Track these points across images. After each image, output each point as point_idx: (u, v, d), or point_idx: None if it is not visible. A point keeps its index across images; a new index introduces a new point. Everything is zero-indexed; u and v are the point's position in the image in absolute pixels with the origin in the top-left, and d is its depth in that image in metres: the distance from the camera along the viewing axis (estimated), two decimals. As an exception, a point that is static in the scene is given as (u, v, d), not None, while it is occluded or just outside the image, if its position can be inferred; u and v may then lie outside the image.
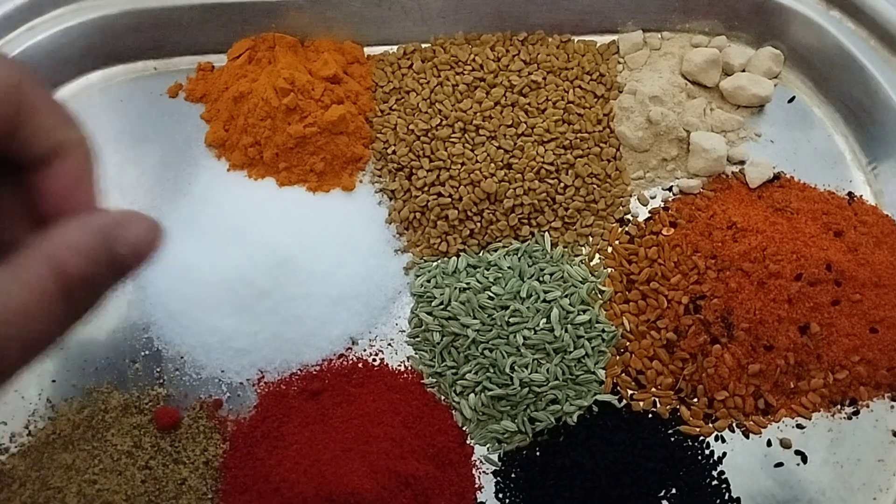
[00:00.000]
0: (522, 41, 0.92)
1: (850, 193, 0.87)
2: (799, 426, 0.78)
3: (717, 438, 0.78)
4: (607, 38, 0.93)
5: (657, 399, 0.79)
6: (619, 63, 0.92)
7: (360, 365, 0.83)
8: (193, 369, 0.83)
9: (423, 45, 0.94)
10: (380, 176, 0.88)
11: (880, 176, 0.87)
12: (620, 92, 0.89)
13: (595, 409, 0.79)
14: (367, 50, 0.94)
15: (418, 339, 0.83)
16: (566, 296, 0.81)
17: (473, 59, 0.90)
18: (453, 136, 0.87)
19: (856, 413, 0.78)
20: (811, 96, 0.92)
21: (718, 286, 0.78)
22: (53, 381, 0.83)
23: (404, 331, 0.84)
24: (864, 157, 0.89)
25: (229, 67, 0.92)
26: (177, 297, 0.84)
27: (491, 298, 0.81)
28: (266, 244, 0.82)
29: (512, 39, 0.92)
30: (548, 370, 0.78)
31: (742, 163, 0.87)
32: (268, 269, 0.81)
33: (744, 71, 0.89)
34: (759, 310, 0.77)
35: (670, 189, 0.88)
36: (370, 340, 0.84)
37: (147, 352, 0.84)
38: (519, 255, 0.84)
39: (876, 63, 0.87)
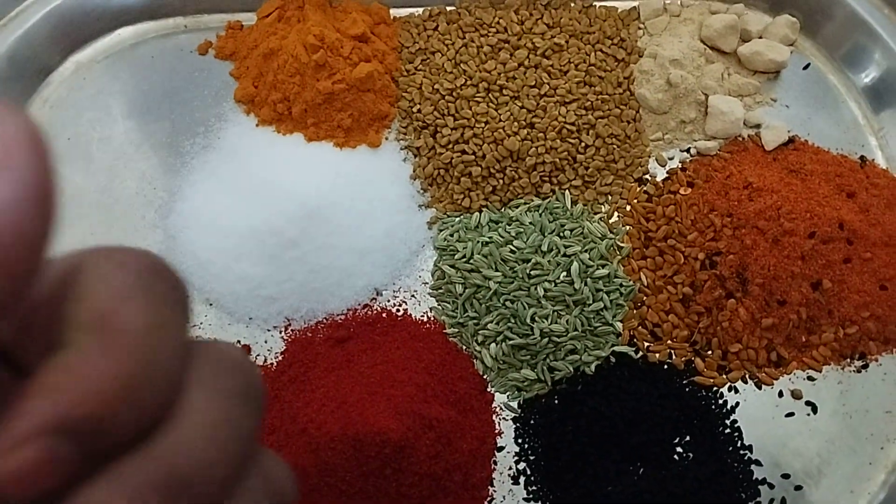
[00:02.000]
0: (546, 5, 0.95)
1: (861, 157, 0.89)
2: (810, 378, 0.80)
3: (730, 389, 0.80)
4: (628, 4, 0.96)
5: (673, 351, 0.82)
6: (639, 28, 0.94)
7: (384, 315, 0.85)
8: (222, 316, 0.86)
9: (448, 9, 0.96)
10: (405, 133, 0.91)
11: (892, 141, 0.90)
12: (641, 56, 0.91)
13: (612, 360, 0.82)
14: (393, 12, 0.96)
15: (441, 290, 0.86)
16: (586, 251, 0.84)
17: (498, 22, 0.93)
18: (477, 95, 0.89)
19: (865, 367, 0.81)
20: (826, 63, 0.94)
21: (734, 243, 0.81)
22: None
23: (427, 283, 0.86)
24: (876, 124, 0.91)
25: (259, 25, 0.94)
26: (206, 245, 0.86)
27: (513, 252, 0.83)
28: (294, 196, 0.85)
29: (535, 4, 0.94)
30: (567, 321, 0.81)
31: (758, 126, 0.89)
32: (296, 219, 0.83)
33: (761, 38, 0.91)
34: (773, 266, 0.79)
35: (688, 150, 0.90)
36: (394, 292, 0.86)
37: (176, 299, 0.86)
38: (540, 212, 0.86)
39: (890, 31, 0.90)
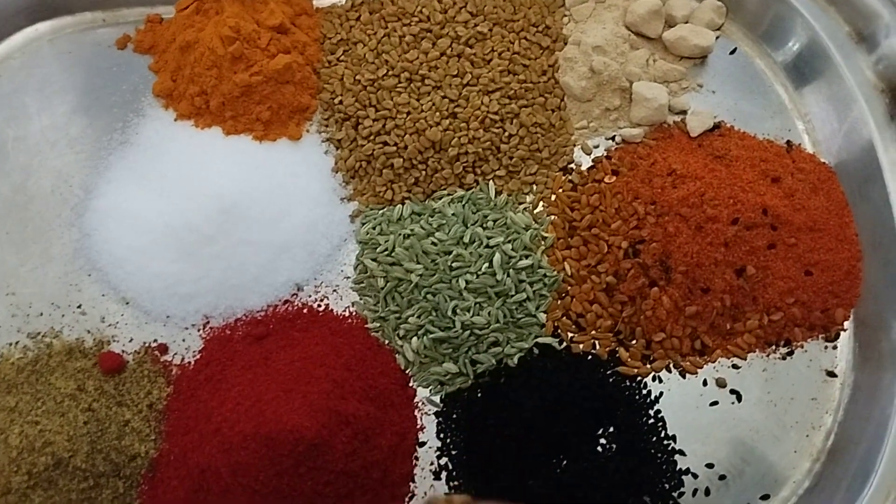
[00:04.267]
0: (470, -7, 0.93)
1: (788, 142, 0.88)
2: (734, 366, 0.79)
3: (654, 379, 0.79)
4: (555, -9, 0.94)
5: (597, 341, 0.80)
6: (564, 15, 0.92)
7: (304, 310, 0.84)
8: (139, 315, 0.84)
9: (372, -1, 0.94)
10: (326, 126, 0.89)
11: (818, 126, 0.89)
12: (566, 44, 0.90)
13: (536, 351, 0.80)
14: (316, 2, 0.94)
15: (363, 284, 0.84)
16: (509, 241, 0.82)
17: (420, 11, 0.91)
18: (399, 85, 0.87)
19: (790, 353, 0.80)
20: (752, 48, 0.93)
21: (657, 231, 0.80)
22: (-2, 325, 0.83)
23: (349, 277, 0.85)
24: (802, 108, 0.90)
25: (177, 18, 0.92)
26: (122, 243, 0.84)
27: (434, 244, 0.81)
28: (211, 191, 0.83)
29: (460, -8, 0.93)
30: (489, 313, 0.79)
31: (684, 112, 0.88)
32: (213, 215, 0.82)
33: (686, 23, 0.90)
34: (696, 253, 0.78)
35: (613, 138, 0.89)
36: (315, 287, 0.85)
37: (92, 297, 0.84)
38: (463, 203, 0.85)
39: (815, 15, 0.89)
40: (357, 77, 0.88)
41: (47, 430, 0.75)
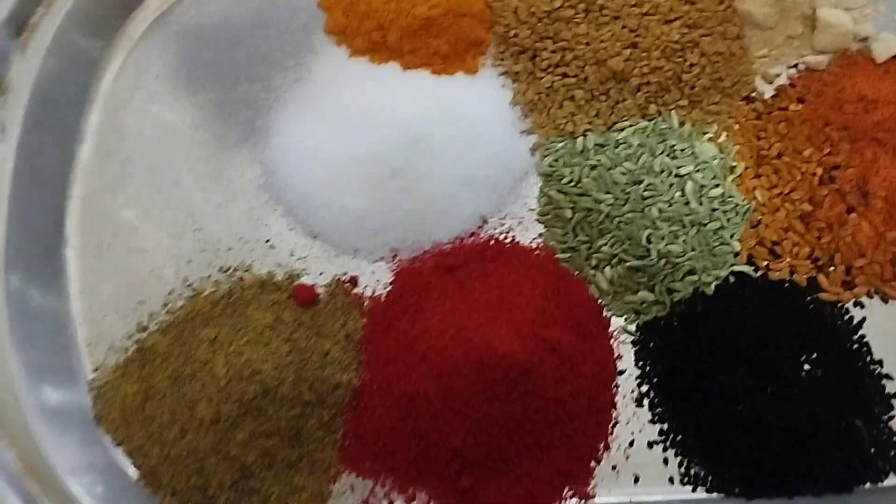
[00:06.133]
0: (639, -73, 0.92)
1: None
2: (938, 290, 0.79)
3: (855, 305, 0.79)
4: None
5: (794, 268, 0.80)
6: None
7: (492, 242, 0.84)
8: (327, 248, 0.85)
9: (541, -69, 0.93)
10: (502, 59, 0.89)
11: None
12: (743, -29, 0.89)
13: (731, 279, 0.80)
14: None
15: (549, 216, 0.84)
16: (699, 170, 0.82)
17: (593, -58, 0.90)
18: (577, 16, 0.87)
19: None
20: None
21: (853, 157, 0.79)
22: (189, 261, 0.84)
23: (533, 210, 0.85)
24: None
25: (348, -46, 0.91)
26: (307, 178, 0.85)
27: (623, 174, 0.81)
28: (395, 124, 0.83)
29: (628, -74, 0.92)
30: (684, 241, 0.79)
31: (867, 39, 0.87)
32: (399, 147, 0.82)
33: (867, -51, 0.89)
34: (895, 178, 0.78)
35: (795, 66, 0.88)
36: (500, 220, 0.85)
37: (279, 232, 0.85)
38: (647, 133, 0.84)
39: None
40: (532, 9, 0.87)
41: (253, 359, 0.76)
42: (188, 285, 0.84)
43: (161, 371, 0.79)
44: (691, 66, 0.86)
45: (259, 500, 0.77)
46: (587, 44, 0.86)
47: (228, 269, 0.85)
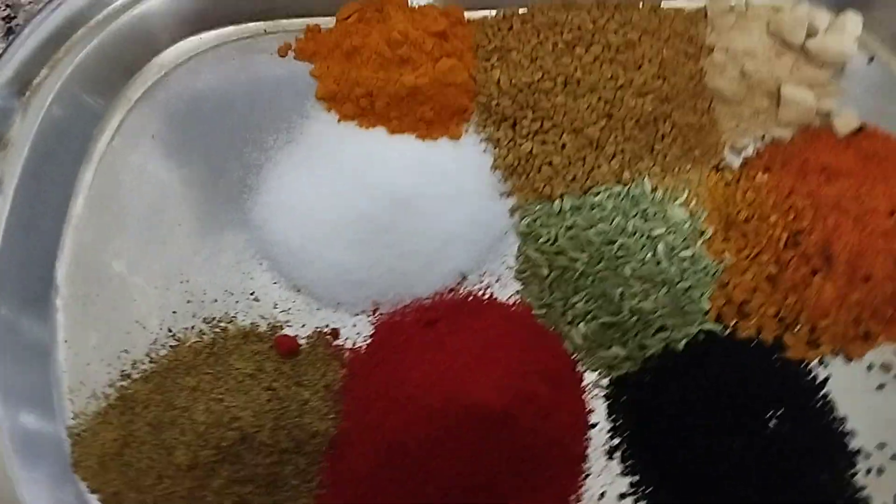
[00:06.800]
0: (615, 7, 0.98)
1: (934, 145, 0.92)
2: (899, 351, 0.82)
3: (819, 363, 0.81)
4: (695, 5, 0.99)
5: (761, 327, 0.83)
6: (707, 28, 0.97)
7: (471, 298, 0.87)
8: (310, 301, 0.87)
9: (521, 11, 0.99)
10: (484, 126, 0.93)
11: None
12: (711, 51, 0.94)
13: (701, 337, 0.83)
14: (467, 14, 0.99)
15: (526, 273, 0.87)
16: (670, 233, 0.85)
17: (571, 21, 0.95)
18: (555, 88, 0.92)
19: (954, 340, 0.82)
20: (891, 57, 0.97)
21: (817, 223, 0.83)
22: (174, 312, 0.86)
23: (511, 267, 0.88)
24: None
25: (340, 26, 0.97)
26: (294, 233, 0.88)
27: (598, 234, 0.85)
28: (382, 184, 0.87)
29: (606, 4, 0.98)
30: (655, 299, 0.82)
31: (829, 115, 0.92)
32: (385, 206, 0.85)
33: (826, 32, 0.95)
34: (857, 243, 0.81)
35: (762, 138, 0.93)
36: (479, 276, 0.88)
37: (264, 285, 0.88)
38: (621, 197, 0.88)
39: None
40: (514, 81, 0.92)
41: (233, 406, 0.78)
42: (172, 335, 0.86)
43: (141, 418, 0.80)
44: (663, 136, 0.90)
45: (232, 547, 0.77)
46: (565, 114, 0.90)
47: (212, 319, 0.86)
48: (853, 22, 0.95)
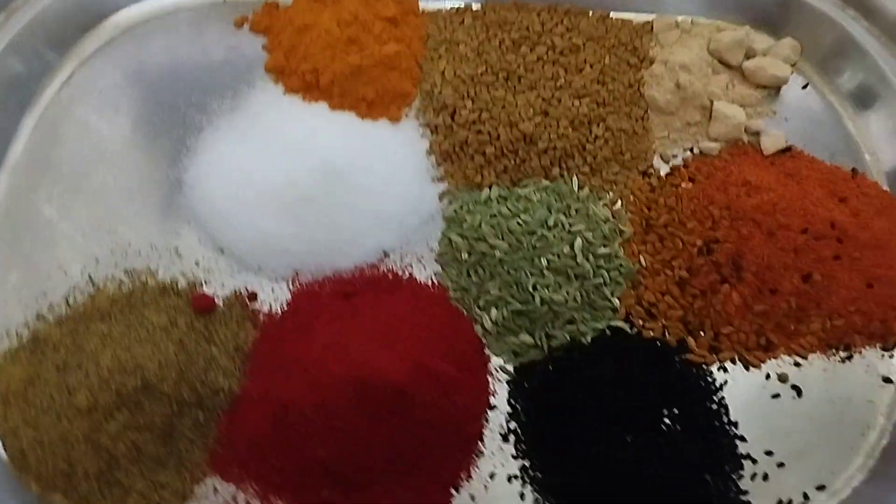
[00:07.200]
0: (565, 12, 1.01)
1: (853, 169, 0.94)
2: (797, 364, 0.83)
3: (719, 368, 0.83)
4: (643, 18, 1.02)
5: (667, 329, 0.84)
6: (651, 41, 1.00)
7: (389, 275, 0.88)
8: (232, 263, 0.88)
9: (474, 7, 1.02)
10: (424, 112, 0.95)
11: (882, 159, 0.95)
12: (652, 63, 0.97)
13: (608, 333, 0.84)
14: (423, 5, 1.02)
15: (447, 256, 0.89)
16: (589, 230, 0.87)
17: (520, 21, 0.98)
18: (496, 82, 0.94)
19: (849, 357, 0.84)
20: (824, 85, 1.00)
21: (731, 233, 0.85)
22: (97, 260, 0.87)
23: (433, 250, 0.90)
24: (868, 142, 0.97)
25: (296, 4, 0.99)
26: (224, 196, 0.89)
27: (519, 225, 0.86)
28: (317, 154, 0.88)
29: (556, 8, 1.01)
30: (567, 292, 0.84)
31: (758, 134, 0.95)
32: (317, 176, 0.87)
33: (765, 56, 0.97)
34: (767, 256, 0.83)
35: (691, 150, 0.95)
36: (401, 255, 0.89)
37: (188, 244, 0.89)
38: (548, 192, 0.90)
39: (885, 59, 0.96)
40: (457, 72, 0.95)
41: (139, 355, 0.78)
42: (92, 282, 0.87)
43: (49, 359, 0.81)
44: (596, 137, 0.93)
45: (121, 492, 0.77)
46: (503, 107, 0.92)
47: (133, 271, 0.87)
48: (791, 48, 0.98)
